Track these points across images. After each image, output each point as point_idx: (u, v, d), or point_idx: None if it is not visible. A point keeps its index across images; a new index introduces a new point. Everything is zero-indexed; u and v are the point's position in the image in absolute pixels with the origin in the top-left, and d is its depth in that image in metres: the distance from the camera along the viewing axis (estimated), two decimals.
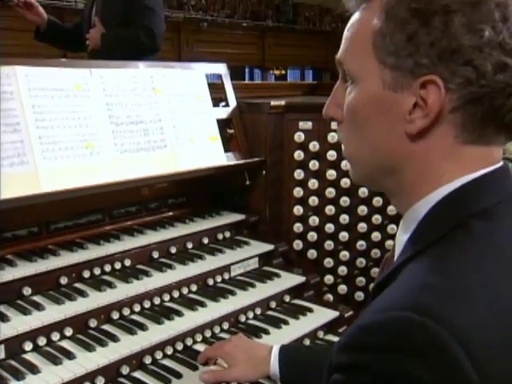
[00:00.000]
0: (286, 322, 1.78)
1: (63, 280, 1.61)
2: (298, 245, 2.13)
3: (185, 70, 2.01)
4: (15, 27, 13.67)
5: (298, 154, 2.08)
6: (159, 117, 1.85)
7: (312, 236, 2.12)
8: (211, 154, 1.97)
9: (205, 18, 17.89)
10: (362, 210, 2.06)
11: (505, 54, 0.74)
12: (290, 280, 1.96)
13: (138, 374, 1.47)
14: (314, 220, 2.10)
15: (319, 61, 22.63)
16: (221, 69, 2.13)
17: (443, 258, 0.73)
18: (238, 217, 2.09)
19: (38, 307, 1.47)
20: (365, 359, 0.66)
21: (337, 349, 0.71)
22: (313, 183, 2.08)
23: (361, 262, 2.12)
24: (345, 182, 2.05)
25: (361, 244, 2.10)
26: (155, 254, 1.83)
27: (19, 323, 1.40)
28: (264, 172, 2.09)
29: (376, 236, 2.07)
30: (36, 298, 1.53)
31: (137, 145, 1.77)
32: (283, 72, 25.82)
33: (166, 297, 1.71)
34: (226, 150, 2.03)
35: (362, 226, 2.08)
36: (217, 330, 1.69)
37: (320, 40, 21.68)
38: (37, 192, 1.51)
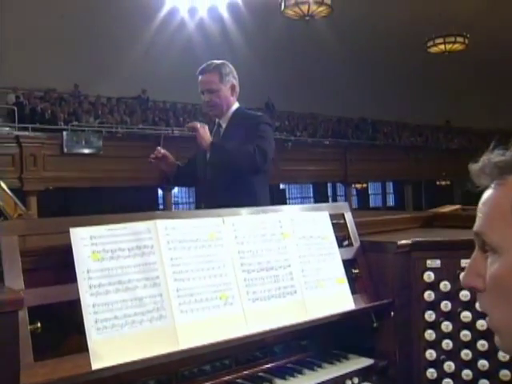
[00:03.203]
0: None
1: None
2: None
3: (310, 211, 2.01)
4: (119, 155, 14.86)
5: (429, 295, 1.97)
6: (288, 262, 1.83)
7: (447, 383, 1.95)
8: (339, 297, 1.91)
9: (289, 138, 18.68)
10: (504, 355, 1.90)
11: None
12: None
13: None
14: (449, 365, 1.95)
15: (400, 174, 22.75)
16: (343, 208, 2.12)
17: None
18: (366, 361, 1.97)
19: None
20: None
21: None
22: (446, 326, 1.95)
23: None
24: (481, 325, 1.90)
25: None
26: None
27: None
28: (392, 313, 1.99)
29: None
30: None
31: (268, 292, 1.74)
32: (365, 186, 26.04)
33: None
34: (352, 292, 1.96)
35: (505, 374, 1.90)
36: None
37: (399, 154, 22.01)
38: (175, 349, 1.48)
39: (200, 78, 3.20)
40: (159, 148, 3.23)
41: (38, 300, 1.41)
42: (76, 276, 1.46)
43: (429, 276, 1.98)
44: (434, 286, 1.98)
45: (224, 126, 3.25)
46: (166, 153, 3.24)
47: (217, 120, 3.30)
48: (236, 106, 3.27)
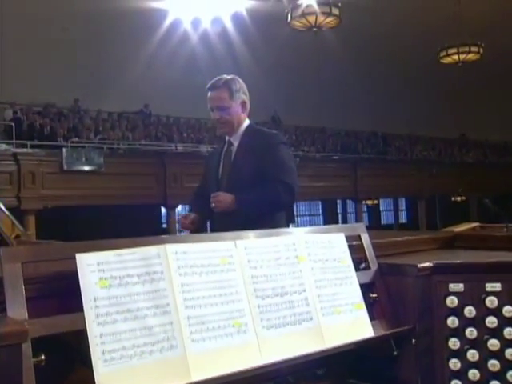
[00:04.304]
0: None
1: None
2: None
3: (325, 233, 1.92)
4: (121, 172, 14.75)
5: (452, 321, 1.87)
6: (303, 286, 1.75)
7: None
8: (357, 324, 1.82)
9: (296, 153, 18.60)
10: None
11: None
12: None
13: None
14: None
15: (412, 189, 22.28)
16: (359, 229, 2.04)
17: None
18: None
19: None
20: None
21: None
22: (472, 354, 1.85)
23: None
24: (510, 353, 1.80)
25: None
26: None
27: None
28: (413, 341, 1.89)
29: None
30: None
31: (282, 319, 1.65)
32: (376, 202, 25.63)
33: None
34: (370, 318, 1.87)
35: None
36: None
37: (412, 168, 21.61)
38: (186, 382, 1.40)
39: (209, 94, 3.11)
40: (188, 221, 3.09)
41: (43, 331, 1.33)
42: (82, 304, 1.38)
43: (452, 301, 1.88)
44: (457, 311, 1.88)
45: (236, 144, 3.15)
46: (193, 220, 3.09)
47: (227, 138, 3.20)
48: (247, 122, 3.18)
